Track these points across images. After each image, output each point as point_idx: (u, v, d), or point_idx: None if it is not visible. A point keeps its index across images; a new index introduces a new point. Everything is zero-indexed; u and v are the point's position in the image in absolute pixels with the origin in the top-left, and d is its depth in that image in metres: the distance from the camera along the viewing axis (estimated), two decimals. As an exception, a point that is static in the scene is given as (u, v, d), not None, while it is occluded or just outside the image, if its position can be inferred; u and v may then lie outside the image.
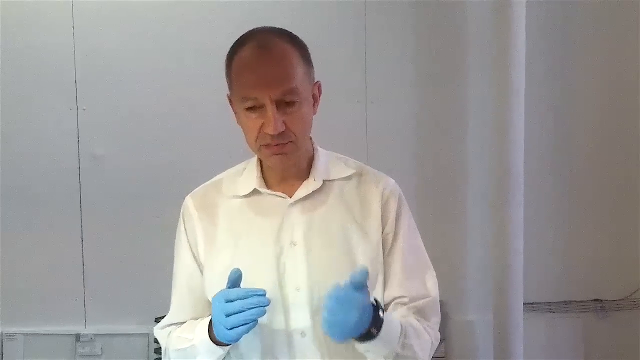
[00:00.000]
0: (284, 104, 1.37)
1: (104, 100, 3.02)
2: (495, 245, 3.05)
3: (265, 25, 1.49)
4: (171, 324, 1.56)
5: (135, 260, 3.02)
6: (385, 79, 3.13)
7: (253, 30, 1.45)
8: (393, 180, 1.56)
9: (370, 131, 3.11)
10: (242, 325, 1.32)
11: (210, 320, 1.41)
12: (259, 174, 1.50)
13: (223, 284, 1.39)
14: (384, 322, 1.35)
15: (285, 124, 1.37)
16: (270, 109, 1.35)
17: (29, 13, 2.96)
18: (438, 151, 3.19)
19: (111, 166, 3.02)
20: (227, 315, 1.32)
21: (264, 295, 1.33)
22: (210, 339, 1.41)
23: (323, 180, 1.49)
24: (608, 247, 3.25)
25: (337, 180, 1.52)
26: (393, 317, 1.42)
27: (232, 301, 1.32)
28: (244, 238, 1.47)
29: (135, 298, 3.01)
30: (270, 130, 1.36)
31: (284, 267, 1.44)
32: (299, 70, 1.39)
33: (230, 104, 1.48)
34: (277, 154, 1.41)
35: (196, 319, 1.52)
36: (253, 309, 1.31)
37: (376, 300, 1.37)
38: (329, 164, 1.53)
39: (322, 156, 1.53)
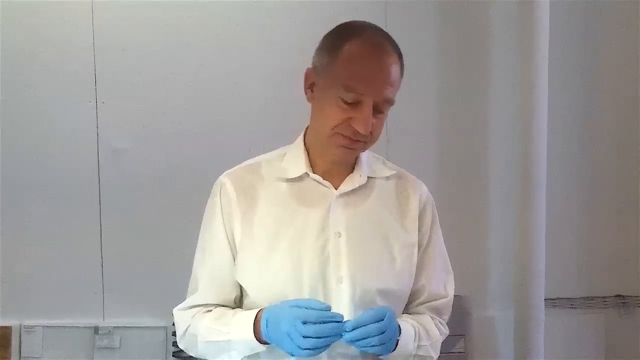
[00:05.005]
0: (376, 109, 1.41)
1: (124, 93, 3.01)
2: (516, 241, 3.03)
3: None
4: (196, 306, 1.55)
5: (154, 253, 3.01)
6: (406, 75, 3.09)
7: (364, 23, 1.50)
8: (426, 187, 1.64)
9: (390, 127, 3.08)
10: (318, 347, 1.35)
11: (255, 317, 1.43)
12: (307, 159, 1.52)
13: (261, 269, 1.45)
14: (401, 334, 1.46)
15: None
16: (369, 109, 1.39)
17: (49, 7, 2.96)
18: (460, 148, 3.17)
19: (130, 160, 3.02)
20: (304, 337, 1.33)
21: (342, 320, 1.36)
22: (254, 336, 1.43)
23: (367, 177, 1.54)
24: (630, 243, 3.22)
25: (379, 179, 1.57)
26: (407, 325, 1.51)
27: (309, 323, 1.33)
28: (287, 225, 1.48)
29: (153, 291, 3.01)
30: (361, 128, 1.39)
31: (327, 258, 1.46)
32: (399, 81, 1.45)
33: (308, 79, 1.49)
34: (347, 147, 1.44)
35: (222, 302, 1.54)
36: (331, 336, 1.35)
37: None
38: (371, 162, 1.58)
39: (364, 154, 1.56)
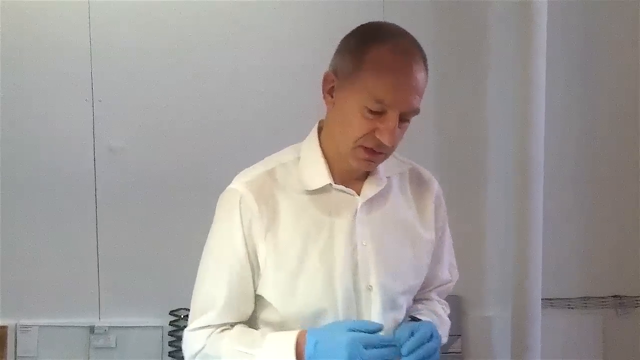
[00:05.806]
0: (402, 118, 1.36)
1: (120, 92, 2.99)
2: (513, 241, 3.02)
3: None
4: (212, 325, 1.47)
5: (150, 253, 3.00)
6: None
7: (389, 26, 1.43)
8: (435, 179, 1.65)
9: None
10: None
11: (296, 340, 1.38)
12: (328, 168, 1.46)
13: (292, 284, 1.40)
14: None
15: None
16: (395, 120, 1.34)
17: (46, 6, 2.94)
18: (457, 147, 3.16)
19: (127, 159, 3.00)
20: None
21: (397, 346, 1.38)
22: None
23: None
24: (628, 243, 3.21)
25: (394, 175, 1.55)
26: (429, 317, 1.57)
27: (371, 347, 1.33)
28: (315, 237, 1.43)
29: (150, 291, 3.00)
30: (386, 140, 1.35)
31: (356, 267, 1.43)
32: (425, 88, 1.40)
33: (327, 82, 1.42)
34: (368, 160, 1.40)
35: (238, 320, 1.48)
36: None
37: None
38: None
39: None
